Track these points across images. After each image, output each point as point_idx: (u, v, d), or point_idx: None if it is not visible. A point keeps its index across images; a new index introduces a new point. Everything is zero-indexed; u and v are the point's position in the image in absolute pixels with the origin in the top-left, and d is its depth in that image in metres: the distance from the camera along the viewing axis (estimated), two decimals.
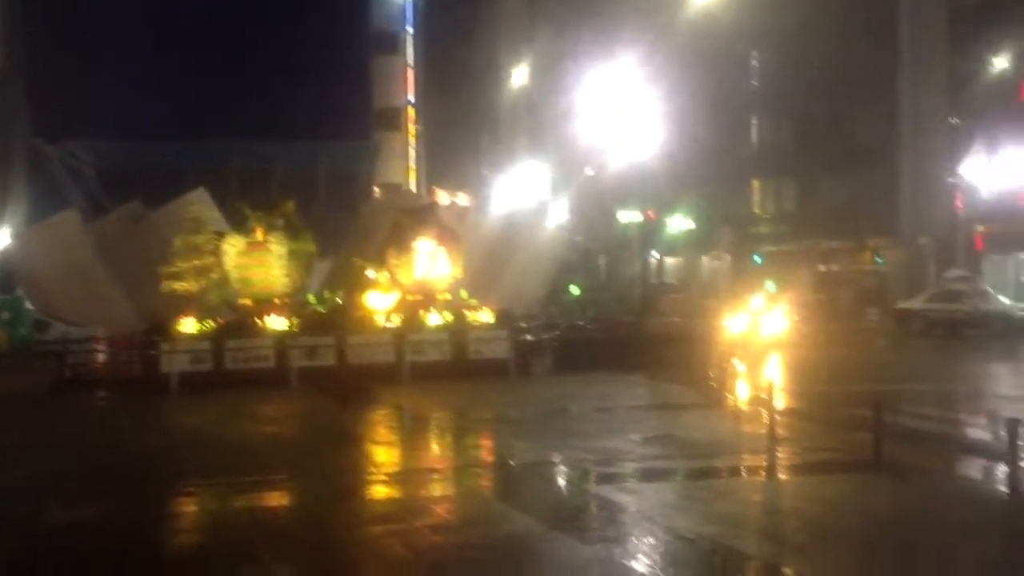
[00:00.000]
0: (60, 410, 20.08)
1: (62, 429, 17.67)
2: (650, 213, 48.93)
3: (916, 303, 35.97)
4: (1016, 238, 39.60)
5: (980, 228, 40.61)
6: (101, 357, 24.68)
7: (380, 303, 24.87)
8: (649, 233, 48.95)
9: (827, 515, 9.98)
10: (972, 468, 12.80)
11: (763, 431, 13.40)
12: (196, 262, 24.68)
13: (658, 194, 48.66)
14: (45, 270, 27.69)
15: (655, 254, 51.03)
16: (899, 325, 35.25)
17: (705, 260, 52.43)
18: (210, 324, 23.37)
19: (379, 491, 12.14)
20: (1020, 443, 10.58)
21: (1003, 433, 10.86)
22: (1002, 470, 10.82)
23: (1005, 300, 35.03)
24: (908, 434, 13.71)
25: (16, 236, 34.62)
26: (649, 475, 12.29)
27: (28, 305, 26.67)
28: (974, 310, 33.74)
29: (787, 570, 8.33)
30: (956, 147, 41.47)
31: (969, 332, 32.38)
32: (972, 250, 40.83)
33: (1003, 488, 10.56)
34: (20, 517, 10.84)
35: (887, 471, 11.64)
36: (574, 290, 40.97)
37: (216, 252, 24.81)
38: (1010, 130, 39.08)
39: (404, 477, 12.71)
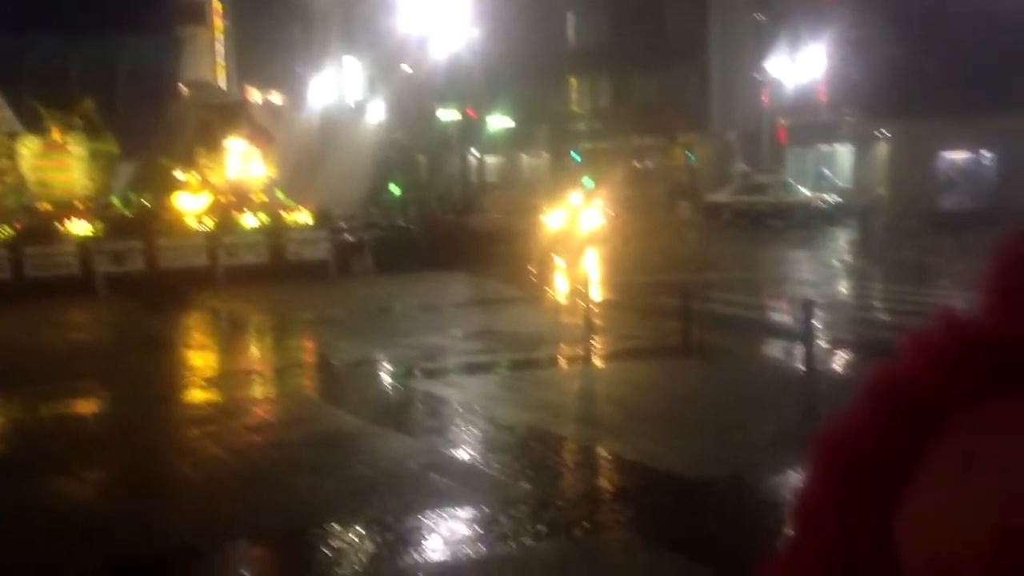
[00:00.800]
0: None
1: None
2: (469, 111, 48.72)
3: (723, 196, 37.50)
4: (816, 131, 41.61)
5: (783, 122, 42.41)
6: None
7: (191, 205, 23.95)
8: (469, 131, 48.81)
9: (639, 398, 10.40)
10: (774, 349, 13.58)
11: (580, 322, 13.75)
12: None
13: (477, 92, 48.42)
14: None
15: (475, 152, 51.03)
16: (708, 217, 36.71)
17: (525, 158, 52.89)
18: (6, 230, 21.96)
19: (195, 395, 11.84)
20: (815, 323, 11.26)
21: (801, 315, 11.52)
22: (800, 350, 11.50)
23: (806, 191, 36.96)
24: (716, 320, 14.37)
25: None
26: (471, 369, 12.47)
27: None
28: (777, 201, 35.48)
29: (601, 450, 8.66)
30: (762, 44, 42.90)
31: (773, 223, 34.04)
32: (776, 143, 42.68)
33: (800, 366, 11.24)
34: None
35: (696, 355, 12.19)
36: (394, 190, 40.62)
37: (10, 154, 23.25)
38: (811, 27, 40.68)
39: (221, 380, 12.44)
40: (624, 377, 11.48)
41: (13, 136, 23.70)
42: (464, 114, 49.25)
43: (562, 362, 12.85)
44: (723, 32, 45.40)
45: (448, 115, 50.45)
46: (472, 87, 48.18)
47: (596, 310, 14.48)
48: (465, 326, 15.38)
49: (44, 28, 48.01)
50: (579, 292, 15.76)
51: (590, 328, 13.41)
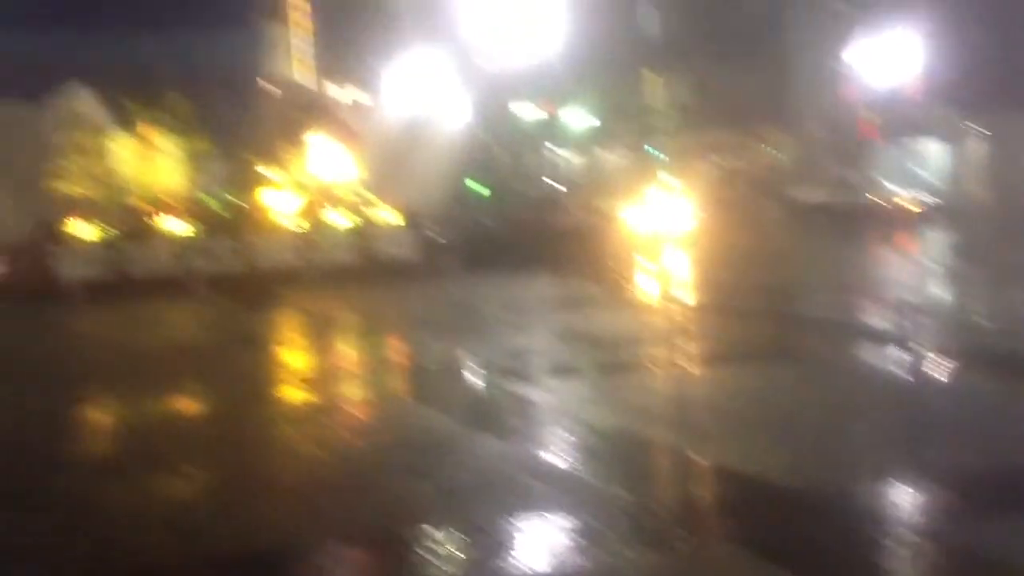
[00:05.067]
0: None
1: None
2: (551, 108, 48.62)
3: (810, 193, 36.84)
4: (906, 126, 40.59)
5: (871, 117, 41.46)
6: None
7: (281, 204, 24.38)
8: (551, 129, 48.72)
9: (734, 403, 10.27)
10: (873, 354, 13.27)
11: (671, 324, 13.64)
12: (82, 162, 23.75)
13: (559, 89, 48.29)
14: None
15: (558, 150, 50.92)
16: (794, 215, 36.08)
17: (606, 155, 52.60)
18: (108, 229, 22.61)
19: (292, 394, 12.05)
20: (916, 328, 11.01)
21: (901, 319, 11.27)
22: (901, 355, 11.25)
23: (898, 189, 36.10)
24: (811, 323, 14.12)
25: None
26: (561, 371, 12.44)
27: None
28: (865, 199, 34.73)
29: (698, 456, 8.57)
30: (846, 35, 41.97)
31: (863, 222, 33.31)
32: (864, 139, 41.76)
33: (901, 372, 10.99)
34: None
35: (792, 360, 12.00)
36: (479, 189, 40.74)
37: (103, 152, 23.92)
38: (898, 17, 39.68)
39: (315, 380, 12.65)
40: (718, 381, 11.36)
41: (106, 134, 24.34)
42: (545, 111, 49.17)
43: (654, 365, 12.75)
44: (805, 23, 44.57)
45: (531, 113, 50.42)
46: (554, 84, 48.07)
47: (686, 312, 14.35)
48: (553, 327, 15.38)
49: (134, 26, 49.19)
50: (668, 293, 15.63)
51: (681, 330, 13.29)
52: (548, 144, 49.70)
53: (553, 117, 48.90)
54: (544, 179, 47.63)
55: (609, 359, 12.89)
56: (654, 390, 11.38)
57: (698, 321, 14.57)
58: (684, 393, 11.27)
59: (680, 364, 12.46)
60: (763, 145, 46.29)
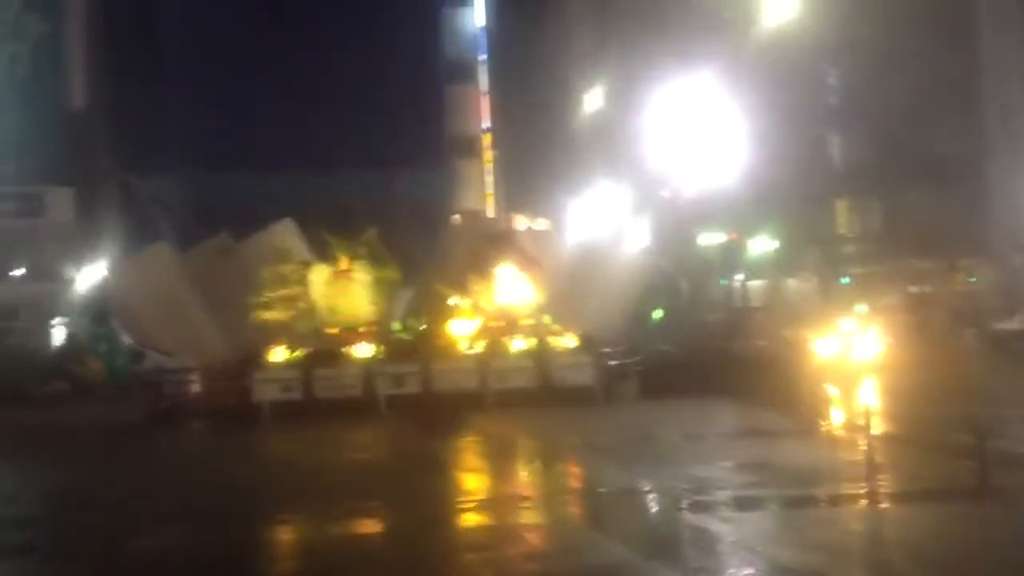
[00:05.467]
0: (157, 439, 20.52)
1: (158, 458, 18.05)
2: (732, 234, 48.34)
3: (1014, 323, 34.88)
4: None
5: None
6: (195, 387, 25.18)
7: (463, 330, 24.97)
8: (731, 255, 48.34)
9: (932, 545, 9.65)
10: None
11: (861, 458, 13.03)
12: (284, 292, 25.11)
13: (739, 215, 48.07)
14: (139, 302, 28.33)
15: (739, 276, 50.38)
16: (997, 347, 34.16)
17: (790, 282, 51.57)
18: (299, 353, 23.73)
19: (470, 518, 12.12)
20: None
21: None
22: None
23: None
24: (1014, 460, 13.22)
25: (110, 269, 35.58)
26: (745, 503, 12.02)
27: (124, 336, 27.30)
28: None
29: None
30: None
31: None
32: None
33: None
34: (115, 543, 11.03)
35: (994, 499, 11.23)
36: (657, 314, 40.60)
37: (303, 282, 25.23)
38: None
39: (494, 504, 12.68)
40: (913, 520, 10.73)
41: (306, 265, 25.72)
42: (727, 237, 48.91)
43: (843, 501, 12.13)
44: (1003, 147, 43.03)
45: (710, 238, 50.26)
46: (734, 210, 47.92)
47: (878, 445, 13.69)
48: (735, 457, 14.96)
49: (332, 165, 52.43)
50: (857, 425, 15.00)
51: (872, 465, 12.66)
52: (730, 270, 49.30)
53: (736, 243, 48.60)
54: (725, 305, 47.09)
55: (794, 492, 12.38)
56: (842, 527, 10.83)
57: (890, 455, 13.87)
58: (875, 532, 10.68)
59: (871, 500, 11.83)
60: (959, 272, 44.40)
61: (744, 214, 48.19)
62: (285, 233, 28.39)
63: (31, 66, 42.79)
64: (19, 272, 40.95)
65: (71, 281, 39.97)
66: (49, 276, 40.52)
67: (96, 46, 48.11)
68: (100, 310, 32.66)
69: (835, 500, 12.16)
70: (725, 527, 10.73)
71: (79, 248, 41.05)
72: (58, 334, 36.64)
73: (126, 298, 29.33)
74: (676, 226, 52.95)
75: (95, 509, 13.10)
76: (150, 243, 33.57)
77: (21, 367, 23.67)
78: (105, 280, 35.11)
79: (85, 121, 45.91)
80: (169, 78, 55.21)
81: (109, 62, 49.37)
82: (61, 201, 41.25)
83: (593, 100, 61.11)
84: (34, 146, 40.92)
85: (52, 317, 38.16)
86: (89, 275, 39.11)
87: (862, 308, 35.61)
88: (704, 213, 49.90)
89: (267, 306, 24.88)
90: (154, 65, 53.84)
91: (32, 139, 40.80)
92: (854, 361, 26.61)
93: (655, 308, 40.67)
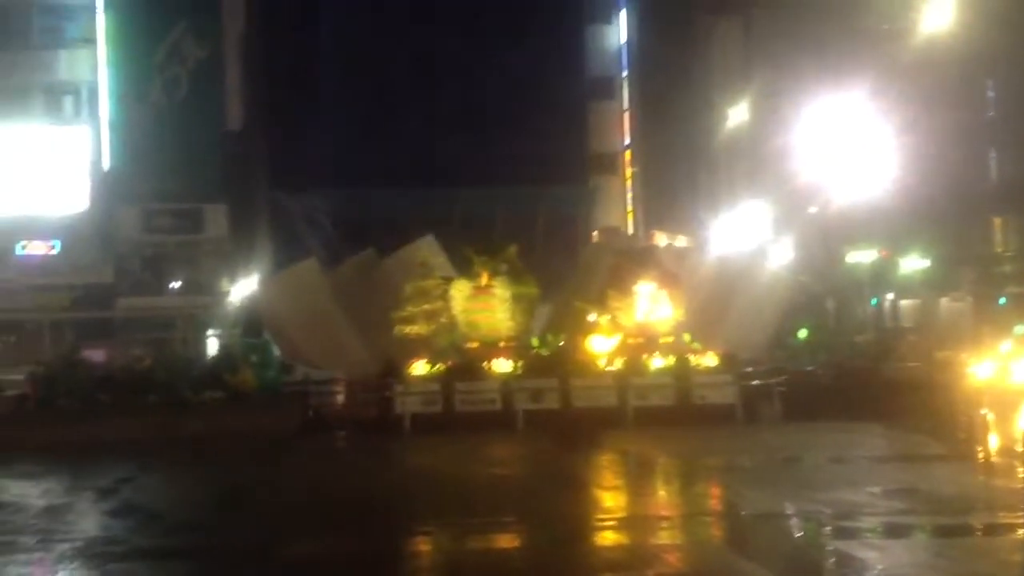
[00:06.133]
0: (303, 449, 21.17)
1: (307, 467, 18.67)
2: (883, 252, 46.75)
3: None
4: None
5: None
6: (340, 398, 25.89)
7: (602, 346, 24.89)
8: (881, 273, 46.74)
9: None
10: None
11: (1019, 485, 12.41)
12: (426, 307, 25.56)
13: (889, 232, 46.46)
14: (288, 316, 29.32)
15: (889, 295, 48.68)
16: None
17: (944, 302, 49.52)
18: (440, 367, 24.11)
19: (608, 537, 12.07)
20: None
21: None
22: None
23: None
24: None
25: (261, 284, 36.94)
26: (893, 530, 11.59)
27: (274, 349, 28.29)
28: None
29: None
30: None
31: None
32: None
33: None
34: (260, 551, 11.40)
35: None
36: (802, 333, 39.58)
37: (444, 297, 25.63)
38: None
39: (632, 523, 12.59)
40: None
41: (448, 280, 26.14)
42: (880, 255, 47.32)
43: (1000, 530, 11.59)
44: None
45: (858, 256, 48.74)
46: (884, 227, 46.34)
47: None
48: (884, 482, 14.44)
49: (475, 181, 53.19)
50: (1015, 451, 14.30)
51: None
52: (881, 288, 47.66)
53: (887, 261, 46.97)
54: (875, 325, 45.52)
55: (946, 520, 11.87)
56: (997, 557, 10.32)
57: None
58: None
59: None
60: None
61: (896, 231, 46.56)
62: (427, 249, 28.92)
63: (190, 89, 44.86)
64: (176, 285, 42.88)
65: (225, 295, 41.68)
66: (205, 290, 42.33)
67: (250, 69, 50.16)
68: (252, 323, 33.91)
69: (990, 529, 11.62)
70: (872, 554, 10.37)
71: (233, 263, 42.80)
72: (213, 345, 38.22)
73: (276, 312, 30.43)
74: (821, 243, 51.59)
75: (249, 516, 13.67)
76: (299, 259, 34.74)
77: (179, 376, 24.75)
78: (256, 294, 36.54)
79: (239, 140, 47.86)
80: (319, 99, 57.16)
81: (263, 84, 51.44)
82: (217, 217, 42.98)
83: (737, 115, 60.21)
84: (192, 165, 42.84)
85: (207, 329, 39.89)
86: (242, 289, 40.73)
87: (1020, 329, 33.88)
88: (852, 230, 48.45)
89: (409, 320, 25.38)
90: (304, 87, 55.80)
91: (190, 158, 42.72)
92: (1011, 384, 25.36)
93: (800, 327, 39.66)
